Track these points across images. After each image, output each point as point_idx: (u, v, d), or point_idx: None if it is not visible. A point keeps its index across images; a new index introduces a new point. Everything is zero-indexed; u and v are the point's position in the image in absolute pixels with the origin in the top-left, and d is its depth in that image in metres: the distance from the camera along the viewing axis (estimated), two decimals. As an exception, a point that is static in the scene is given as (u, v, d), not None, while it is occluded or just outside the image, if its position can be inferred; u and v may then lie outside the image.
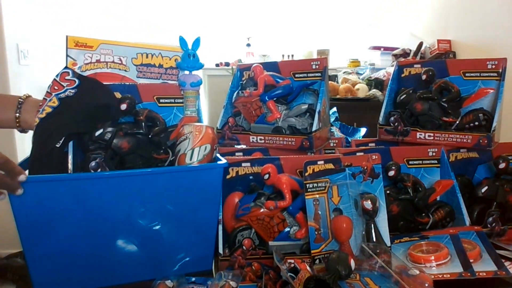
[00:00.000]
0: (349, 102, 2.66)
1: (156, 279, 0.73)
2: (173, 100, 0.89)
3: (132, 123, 0.83)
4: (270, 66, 1.13)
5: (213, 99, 3.52)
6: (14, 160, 0.63)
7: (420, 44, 3.04)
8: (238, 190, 0.89)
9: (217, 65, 3.57)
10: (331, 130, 1.29)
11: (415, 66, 1.15)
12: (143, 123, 0.82)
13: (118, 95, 0.82)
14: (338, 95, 2.71)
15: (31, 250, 0.69)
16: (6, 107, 0.79)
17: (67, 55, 0.84)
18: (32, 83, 2.43)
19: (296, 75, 1.11)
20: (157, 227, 0.75)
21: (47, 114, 0.74)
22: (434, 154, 0.99)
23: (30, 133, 0.76)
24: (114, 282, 0.76)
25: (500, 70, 1.03)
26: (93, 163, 0.73)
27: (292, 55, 3.58)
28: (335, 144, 1.14)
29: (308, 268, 0.69)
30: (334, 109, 1.72)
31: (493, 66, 1.04)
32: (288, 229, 0.84)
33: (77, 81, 0.78)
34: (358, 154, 0.95)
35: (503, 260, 0.78)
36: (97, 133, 0.76)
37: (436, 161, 0.99)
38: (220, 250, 0.82)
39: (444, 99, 1.05)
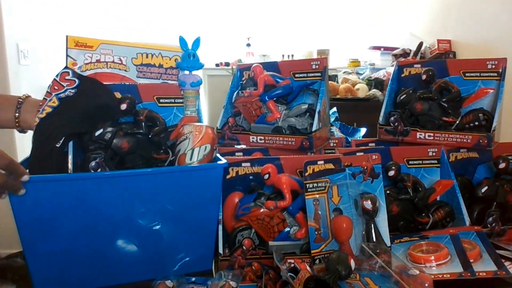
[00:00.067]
0: (349, 102, 2.66)
1: (156, 279, 0.73)
2: (173, 100, 0.89)
3: (132, 123, 0.83)
4: (270, 66, 1.13)
5: (213, 99, 3.51)
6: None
7: (420, 44, 3.04)
8: (238, 190, 0.89)
9: (217, 65, 3.57)
10: (331, 130, 1.29)
11: (415, 66, 1.15)
12: (143, 123, 0.82)
13: (118, 95, 0.82)
14: (338, 95, 2.71)
15: (31, 250, 0.69)
16: (6, 107, 0.79)
17: (67, 55, 0.84)
18: (32, 83, 2.43)
19: (296, 75, 1.11)
20: (157, 227, 0.75)
21: (47, 114, 0.74)
22: (434, 154, 0.99)
23: (30, 133, 0.76)
24: (114, 282, 0.76)
25: (500, 70, 1.03)
26: (93, 163, 0.73)
27: (292, 55, 3.58)
28: (335, 144, 1.14)
29: (308, 268, 0.69)
30: (334, 109, 1.73)
31: (493, 66, 1.04)
32: (288, 229, 0.84)
33: (77, 81, 0.78)
34: (358, 154, 0.95)
35: (503, 260, 0.77)
36: (97, 133, 0.76)
37: (436, 161, 0.99)
38: (220, 250, 0.82)
39: (444, 99, 1.05)
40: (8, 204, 0.65)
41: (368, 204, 0.81)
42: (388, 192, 0.93)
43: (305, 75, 1.10)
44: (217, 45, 3.59)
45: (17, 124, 0.79)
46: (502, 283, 0.76)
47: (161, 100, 0.88)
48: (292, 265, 0.71)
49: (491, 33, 2.57)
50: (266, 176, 0.84)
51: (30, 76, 2.45)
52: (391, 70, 1.33)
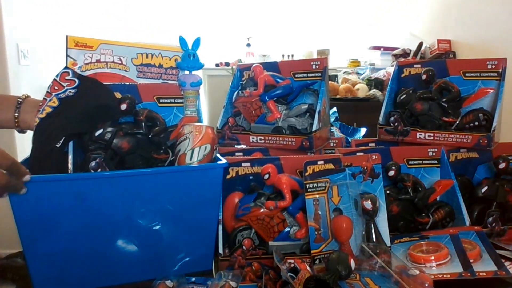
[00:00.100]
0: (349, 102, 2.66)
1: (156, 279, 0.73)
2: (173, 100, 0.89)
3: (132, 123, 0.83)
4: (270, 66, 1.13)
5: (213, 99, 3.52)
6: (14, 160, 0.63)
7: (420, 44, 3.04)
8: (238, 190, 0.89)
9: (217, 65, 3.57)
10: (331, 130, 1.29)
11: (415, 66, 1.15)
12: (143, 123, 0.82)
13: (118, 95, 0.82)
14: (338, 95, 2.71)
15: (31, 250, 0.69)
16: (5, 107, 0.79)
17: (67, 55, 0.84)
18: (32, 83, 2.43)
19: (296, 75, 1.11)
20: (157, 227, 0.75)
21: (47, 114, 0.74)
22: (434, 154, 0.99)
23: (30, 133, 0.76)
24: (114, 282, 0.76)
25: (500, 70, 1.03)
26: (93, 163, 0.73)
27: (292, 55, 3.58)
28: (335, 144, 1.14)
29: (308, 268, 0.69)
30: (334, 109, 1.73)
31: (493, 66, 1.04)
32: (288, 229, 0.84)
33: (77, 81, 0.78)
34: (358, 154, 0.95)
35: (503, 260, 0.77)
36: (97, 133, 0.76)
37: (436, 161, 0.99)
38: (220, 250, 0.82)
39: (444, 99, 1.05)
40: (8, 204, 0.65)
41: (368, 204, 0.81)
42: (388, 192, 0.93)
43: (305, 75, 1.10)
44: (217, 45, 3.59)
45: (16, 124, 0.79)
46: (502, 283, 0.76)
47: (161, 100, 0.88)
48: (292, 265, 0.71)
49: (491, 33, 2.57)
50: (266, 176, 0.84)
51: (30, 76, 2.45)
52: (391, 70, 1.33)
